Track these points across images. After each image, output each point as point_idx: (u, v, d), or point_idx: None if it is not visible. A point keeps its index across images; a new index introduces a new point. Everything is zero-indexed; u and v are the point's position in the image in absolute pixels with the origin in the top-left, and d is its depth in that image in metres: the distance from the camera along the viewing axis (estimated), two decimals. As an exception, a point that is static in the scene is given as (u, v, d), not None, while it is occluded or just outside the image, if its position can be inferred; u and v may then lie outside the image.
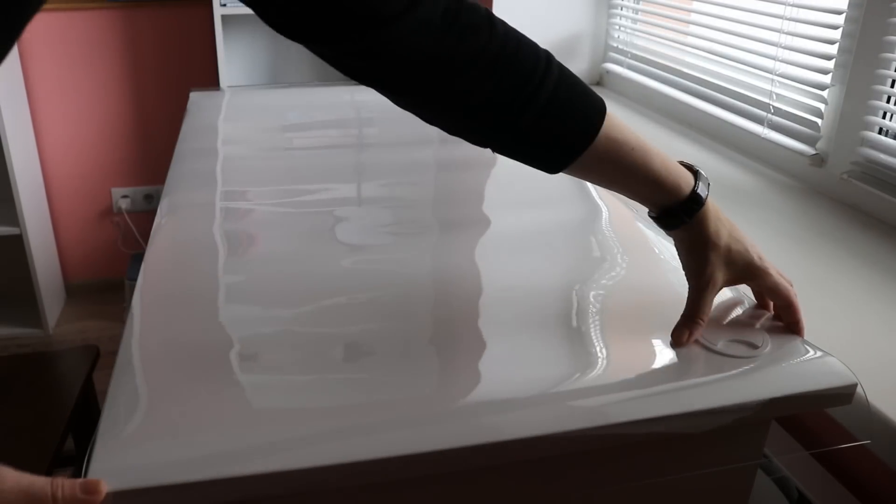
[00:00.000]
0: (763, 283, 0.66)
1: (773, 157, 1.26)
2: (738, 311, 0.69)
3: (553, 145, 0.62)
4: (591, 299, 0.71)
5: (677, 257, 0.80)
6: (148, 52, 2.29)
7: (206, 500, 0.48)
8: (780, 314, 0.67)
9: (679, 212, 0.64)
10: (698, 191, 0.64)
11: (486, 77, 0.58)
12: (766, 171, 1.24)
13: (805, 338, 0.65)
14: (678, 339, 0.63)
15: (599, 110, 0.61)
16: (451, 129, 0.63)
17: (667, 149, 1.35)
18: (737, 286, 0.73)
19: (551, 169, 0.64)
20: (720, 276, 0.64)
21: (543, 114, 0.59)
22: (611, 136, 0.61)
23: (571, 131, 0.61)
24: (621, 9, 1.80)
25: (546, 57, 0.61)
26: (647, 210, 0.67)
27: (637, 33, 1.75)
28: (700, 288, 0.64)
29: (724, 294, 0.72)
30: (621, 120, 0.63)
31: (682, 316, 0.64)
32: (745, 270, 0.65)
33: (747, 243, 0.65)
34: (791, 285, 0.66)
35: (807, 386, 0.59)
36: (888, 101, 1.05)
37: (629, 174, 0.63)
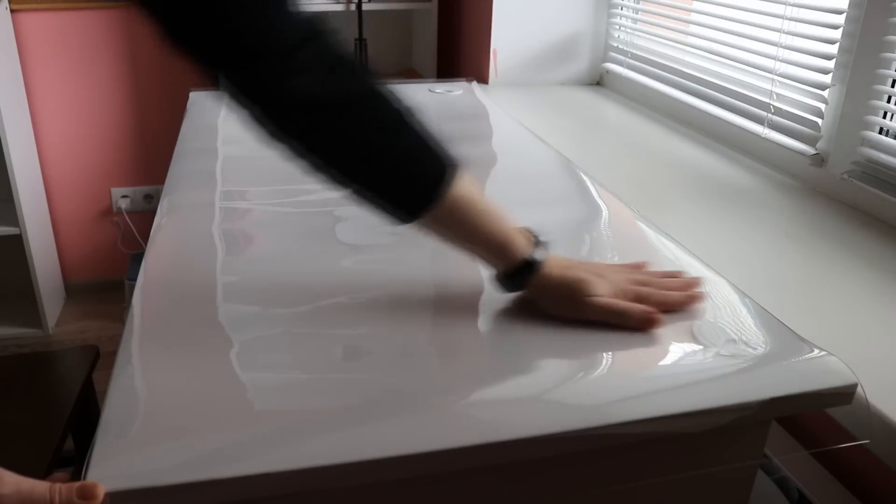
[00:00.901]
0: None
1: (774, 157, 1.26)
2: (737, 311, 0.69)
3: (403, 194, 0.64)
4: (592, 299, 0.71)
5: (678, 257, 0.80)
6: (148, 52, 2.29)
7: (206, 501, 0.48)
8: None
9: (517, 275, 0.67)
10: (534, 255, 0.67)
11: (356, 121, 0.61)
12: (766, 171, 1.24)
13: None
14: (650, 327, 0.65)
15: (451, 168, 0.65)
16: (312, 171, 0.64)
17: (667, 149, 1.36)
18: (739, 287, 0.73)
19: (400, 218, 0.65)
20: (595, 287, 0.66)
21: (400, 161, 0.63)
22: (459, 194, 0.64)
23: (421, 184, 0.64)
24: (621, 9, 1.80)
25: (407, 110, 0.64)
26: (493, 273, 0.69)
27: (637, 33, 1.75)
28: (597, 310, 0.65)
29: (724, 293, 0.72)
30: (471, 181, 0.67)
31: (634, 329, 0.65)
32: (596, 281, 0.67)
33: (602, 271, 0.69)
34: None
35: (807, 385, 0.59)
36: (889, 101, 1.05)
37: (470, 233, 0.66)
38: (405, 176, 0.63)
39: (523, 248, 0.67)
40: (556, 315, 0.66)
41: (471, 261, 0.79)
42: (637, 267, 0.74)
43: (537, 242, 0.68)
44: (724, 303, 0.70)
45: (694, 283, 0.71)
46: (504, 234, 0.66)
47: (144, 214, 2.48)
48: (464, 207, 0.65)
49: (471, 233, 0.66)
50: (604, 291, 0.66)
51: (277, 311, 0.68)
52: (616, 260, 0.79)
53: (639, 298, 0.67)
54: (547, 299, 0.67)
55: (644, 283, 0.69)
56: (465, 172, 0.66)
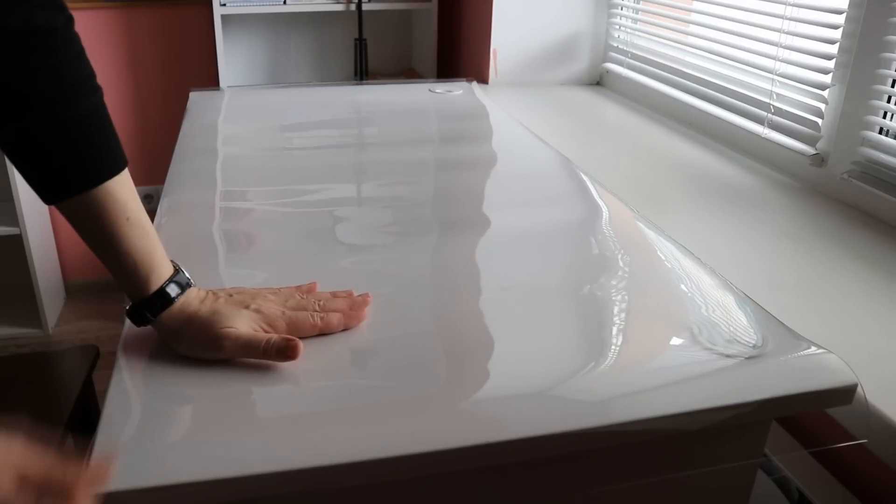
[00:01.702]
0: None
1: (774, 157, 1.26)
2: (736, 310, 0.69)
3: (45, 169, 0.57)
4: (591, 299, 0.71)
5: (677, 257, 0.80)
6: (148, 52, 2.29)
7: (206, 500, 0.48)
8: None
9: (145, 306, 0.60)
10: (167, 289, 0.60)
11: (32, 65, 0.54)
12: (766, 171, 1.24)
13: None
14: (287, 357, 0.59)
15: (109, 165, 0.58)
16: None
17: (667, 149, 1.36)
18: (739, 287, 0.73)
19: (45, 195, 0.58)
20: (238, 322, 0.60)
21: (56, 131, 0.56)
22: (112, 195, 0.58)
23: (80, 163, 0.57)
24: (621, 9, 1.80)
25: (98, 88, 0.60)
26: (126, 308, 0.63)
27: (637, 33, 1.75)
28: (230, 345, 0.59)
29: (723, 293, 0.72)
30: (132, 196, 0.60)
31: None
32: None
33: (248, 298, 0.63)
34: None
35: (806, 385, 0.59)
36: (889, 101, 1.05)
37: (104, 244, 0.59)
38: (52, 152, 0.56)
39: (155, 279, 0.60)
40: (194, 356, 0.59)
41: (471, 260, 0.79)
42: (304, 290, 0.68)
43: (178, 278, 0.62)
44: (723, 302, 0.71)
45: (358, 301, 0.67)
46: (140, 259, 0.60)
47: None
48: (106, 213, 0.58)
49: (105, 244, 0.59)
50: (243, 324, 0.60)
51: (277, 310, 0.68)
52: (623, 257, 0.79)
53: (292, 324, 0.62)
54: (178, 339, 0.60)
55: (301, 308, 0.64)
56: (128, 184, 0.60)
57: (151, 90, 2.33)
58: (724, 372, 0.60)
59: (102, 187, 0.58)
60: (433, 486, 0.56)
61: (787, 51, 1.23)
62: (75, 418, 1.20)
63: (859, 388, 0.60)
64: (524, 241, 0.84)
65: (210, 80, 2.33)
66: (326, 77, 2.39)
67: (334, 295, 0.68)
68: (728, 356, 0.62)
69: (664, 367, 0.61)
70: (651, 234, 0.86)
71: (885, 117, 1.05)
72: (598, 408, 0.55)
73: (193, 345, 0.59)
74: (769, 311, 0.69)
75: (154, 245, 0.61)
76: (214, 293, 0.64)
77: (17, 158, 0.57)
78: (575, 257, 0.80)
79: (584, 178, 1.04)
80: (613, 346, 0.63)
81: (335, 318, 0.64)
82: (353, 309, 0.66)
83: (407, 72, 2.44)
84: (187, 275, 0.63)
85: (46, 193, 0.58)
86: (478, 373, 0.59)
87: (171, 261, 0.63)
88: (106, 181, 0.58)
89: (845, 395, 0.60)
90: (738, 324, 0.67)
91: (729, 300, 0.71)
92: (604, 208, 0.94)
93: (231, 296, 0.63)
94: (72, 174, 0.57)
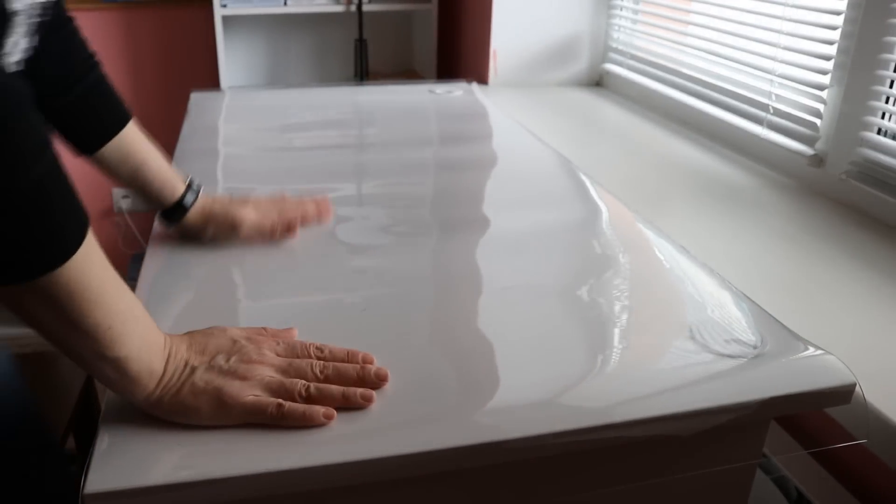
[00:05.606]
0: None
1: (772, 158, 1.26)
2: (735, 311, 0.70)
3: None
4: (591, 300, 0.71)
5: (676, 258, 0.80)
6: (148, 53, 2.30)
7: (207, 500, 0.49)
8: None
9: (173, 211, 0.80)
10: (184, 201, 0.80)
11: None
12: (764, 172, 1.25)
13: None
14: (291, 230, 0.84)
15: (129, 114, 0.77)
16: None
17: (666, 149, 1.36)
18: (737, 287, 0.74)
19: (84, 148, 0.75)
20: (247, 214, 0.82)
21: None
22: (137, 134, 0.78)
23: (113, 111, 0.76)
24: (621, 9, 1.81)
25: (100, 62, 0.74)
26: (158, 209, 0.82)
27: (637, 34, 1.75)
28: (247, 231, 0.81)
29: (722, 293, 0.72)
30: (140, 132, 0.79)
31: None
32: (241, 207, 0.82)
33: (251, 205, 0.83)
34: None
35: (805, 385, 0.59)
36: (887, 102, 1.05)
37: (136, 177, 0.78)
38: (92, 109, 0.74)
39: (177, 193, 0.80)
40: (216, 240, 0.81)
41: (471, 260, 0.79)
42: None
43: (190, 185, 0.81)
44: (722, 303, 0.71)
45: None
46: (165, 179, 0.79)
47: (145, 214, 2.48)
48: (137, 147, 0.78)
49: (136, 172, 0.78)
50: (252, 216, 0.81)
51: (277, 310, 0.68)
52: (622, 258, 0.80)
53: (283, 212, 0.83)
54: (209, 229, 0.81)
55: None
56: (138, 129, 0.78)
57: (152, 91, 2.34)
58: (723, 372, 0.60)
59: (129, 129, 0.77)
60: (432, 486, 0.56)
61: (786, 52, 1.23)
62: (76, 418, 1.20)
63: (858, 388, 0.60)
64: (524, 241, 0.84)
65: (211, 81, 2.33)
66: (327, 78, 2.39)
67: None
68: (727, 356, 0.62)
69: (663, 367, 0.61)
70: (650, 235, 0.86)
71: (883, 118, 1.06)
72: (598, 408, 0.56)
73: (216, 234, 0.82)
74: (768, 311, 0.70)
75: (170, 169, 0.80)
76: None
77: (64, 125, 0.73)
78: (574, 258, 0.81)
79: (584, 178, 1.05)
80: (613, 347, 0.63)
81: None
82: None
83: (407, 72, 2.44)
84: (196, 182, 0.82)
85: (86, 147, 0.75)
86: (476, 373, 0.60)
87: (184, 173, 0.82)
88: (129, 122, 0.77)
89: (844, 394, 0.60)
90: (738, 324, 0.67)
91: (728, 300, 0.71)
92: (603, 209, 0.94)
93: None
94: (102, 130, 0.75)
